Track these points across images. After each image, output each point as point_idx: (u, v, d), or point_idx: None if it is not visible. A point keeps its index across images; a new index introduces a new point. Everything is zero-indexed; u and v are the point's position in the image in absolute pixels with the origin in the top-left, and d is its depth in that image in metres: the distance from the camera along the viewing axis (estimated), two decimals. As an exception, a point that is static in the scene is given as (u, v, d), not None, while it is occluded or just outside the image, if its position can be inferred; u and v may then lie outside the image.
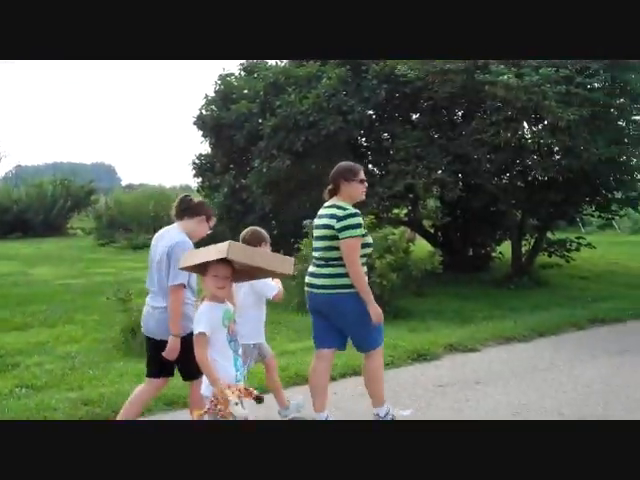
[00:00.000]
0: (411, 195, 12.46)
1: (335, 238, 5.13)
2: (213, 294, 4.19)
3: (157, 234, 5.09)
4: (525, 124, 12.37)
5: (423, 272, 10.32)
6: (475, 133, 11.56)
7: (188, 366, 4.60)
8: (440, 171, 11.75)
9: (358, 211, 5.24)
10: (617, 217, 15.68)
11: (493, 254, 15.25)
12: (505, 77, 10.50)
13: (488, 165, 12.08)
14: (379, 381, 5.44)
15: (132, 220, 24.86)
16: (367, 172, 13.25)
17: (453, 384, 6.67)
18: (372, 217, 10.34)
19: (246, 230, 5.66)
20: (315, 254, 5.36)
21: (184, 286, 4.72)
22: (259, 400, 4.22)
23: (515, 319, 9.42)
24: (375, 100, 12.18)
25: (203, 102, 14.91)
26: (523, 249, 13.72)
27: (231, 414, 3.95)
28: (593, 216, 15.43)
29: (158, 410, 5.80)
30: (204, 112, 14.81)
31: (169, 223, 5.11)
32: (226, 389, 3.99)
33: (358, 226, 5.13)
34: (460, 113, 13.34)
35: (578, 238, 14.13)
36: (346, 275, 5.11)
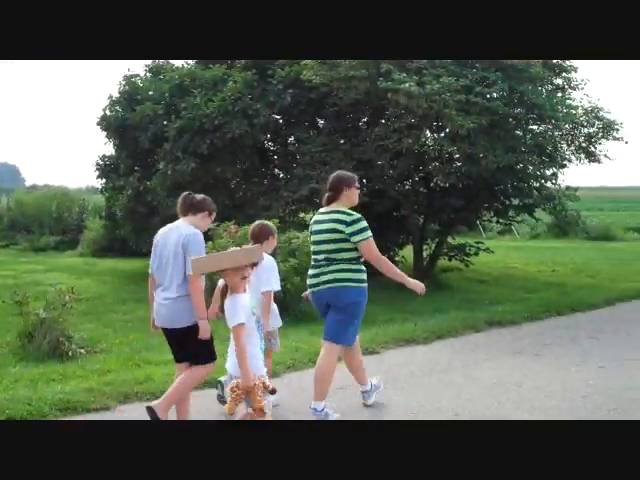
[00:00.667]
0: (316, 199, 12.58)
1: (344, 241, 5.63)
2: (236, 285, 4.56)
3: (162, 231, 5.35)
4: (427, 131, 12.68)
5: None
6: (378, 139, 11.78)
7: (199, 352, 5.16)
8: (345, 176, 11.83)
9: (360, 215, 5.73)
10: (515, 223, 16.20)
11: (396, 258, 15.49)
12: (407, 85, 10.72)
13: (391, 171, 12.33)
14: (329, 377, 5.80)
15: (34, 221, 24.10)
16: (273, 176, 13.40)
17: (352, 386, 6.75)
18: (277, 221, 10.37)
19: (255, 224, 6.13)
20: (318, 257, 5.79)
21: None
22: (273, 392, 4.78)
23: (416, 322, 9.60)
24: (281, 105, 12.23)
25: (107, 103, 14.66)
26: (425, 253, 14.02)
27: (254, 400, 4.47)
28: (492, 222, 15.92)
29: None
30: (108, 113, 14.56)
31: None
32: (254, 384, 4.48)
33: (367, 228, 5.68)
34: (364, 119, 13.53)
35: (477, 243, 14.56)
36: (350, 271, 5.69)
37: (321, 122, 13.49)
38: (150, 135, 13.23)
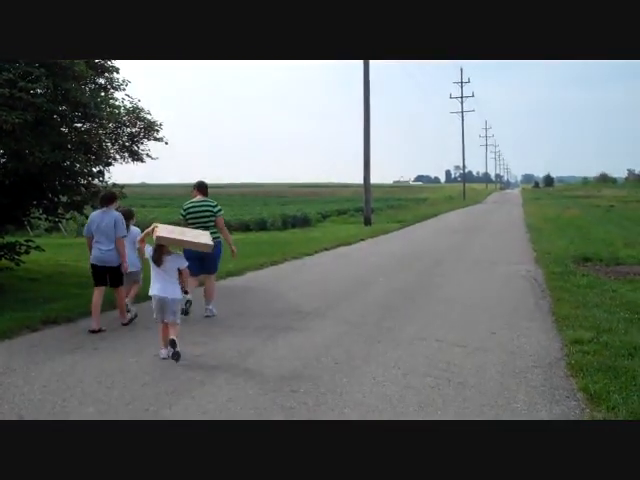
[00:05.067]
0: None
1: (212, 216, 10.47)
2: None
3: (96, 215, 9.72)
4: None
5: None
6: None
7: (118, 280, 9.80)
8: None
9: None
10: (65, 220, 16.11)
11: (-63, 261, 14.40)
12: (-55, 76, 10.07)
13: None
14: (215, 291, 10.74)
15: None
16: None
17: None
18: None
19: (123, 208, 10.46)
20: (197, 226, 9.90)
21: (124, 237, 9.72)
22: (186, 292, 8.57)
23: (-35, 327, 9.10)
24: None
25: None
26: (-29, 254, 13.28)
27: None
28: (41, 219, 15.64)
29: None
30: None
31: None
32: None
33: (221, 210, 10.71)
34: None
35: (27, 241, 14.25)
36: (216, 234, 10.32)
37: None
38: None
